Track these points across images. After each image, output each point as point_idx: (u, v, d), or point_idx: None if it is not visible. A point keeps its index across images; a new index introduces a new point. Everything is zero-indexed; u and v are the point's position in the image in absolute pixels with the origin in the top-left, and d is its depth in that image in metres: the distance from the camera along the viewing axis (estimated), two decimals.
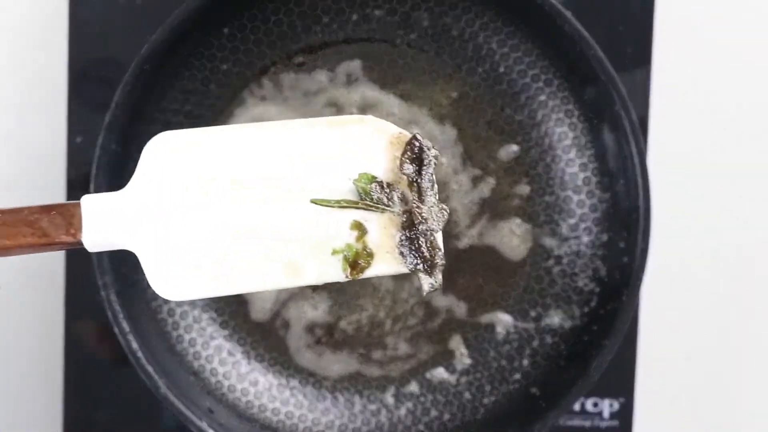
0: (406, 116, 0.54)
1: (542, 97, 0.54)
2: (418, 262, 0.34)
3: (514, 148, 0.55)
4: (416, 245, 0.34)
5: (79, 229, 0.34)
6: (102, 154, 0.49)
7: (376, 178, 0.34)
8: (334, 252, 0.34)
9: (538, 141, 0.55)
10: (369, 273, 0.34)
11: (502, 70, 0.55)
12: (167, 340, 0.54)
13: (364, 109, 0.54)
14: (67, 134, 0.56)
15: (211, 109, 0.54)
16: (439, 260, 0.35)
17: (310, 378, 0.56)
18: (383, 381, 0.56)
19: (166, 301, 0.54)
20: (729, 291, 0.60)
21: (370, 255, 0.34)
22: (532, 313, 0.55)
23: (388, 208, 0.34)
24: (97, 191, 0.49)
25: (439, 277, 0.35)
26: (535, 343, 0.55)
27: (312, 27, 0.54)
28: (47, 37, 0.57)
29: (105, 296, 0.50)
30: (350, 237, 0.34)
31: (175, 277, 0.34)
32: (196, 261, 0.34)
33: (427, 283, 0.35)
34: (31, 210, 0.34)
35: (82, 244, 0.34)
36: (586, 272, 0.54)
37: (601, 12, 0.57)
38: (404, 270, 0.35)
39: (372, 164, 0.35)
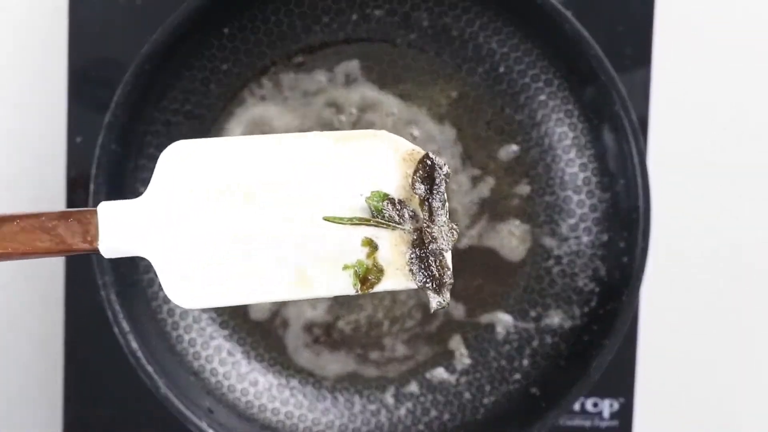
0: (406, 116, 0.54)
1: (542, 97, 0.54)
2: (427, 280, 0.35)
3: (514, 148, 0.55)
4: (426, 264, 0.35)
5: (95, 236, 0.35)
6: (102, 154, 0.50)
7: (388, 195, 0.35)
8: (345, 267, 0.35)
9: (538, 141, 0.55)
10: (378, 288, 0.35)
11: (502, 70, 0.55)
12: (167, 340, 0.54)
13: (364, 109, 0.54)
14: (67, 134, 0.56)
15: (211, 108, 0.54)
16: (448, 279, 0.35)
17: (310, 378, 0.56)
18: (382, 381, 0.56)
19: (166, 301, 0.54)
20: (729, 291, 0.60)
21: (381, 271, 0.35)
22: (532, 313, 0.55)
23: (399, 226, 0.35)
24: (97, 191, 0.49)
25: (447, 295, 0.35)
26: (535, 343, 0.55)
27: (312, 27, 0.54)
28: (47, 37, 0.57)
29: (105, 296, 0.50)
30: (361, 253, 0.35)
31: (190, 286, 0.35)
32: (211, 270, 0.35)
33: (435, 301, 0.35)
34: (48, 216, 0.35)
35: (98, 250, 0.35)
36: (586, 272, 0.54)
37: (601, 12, 0.57)
38: (413, 286, 0.35)
39: (384, 180, 0.35)
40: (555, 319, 0.55)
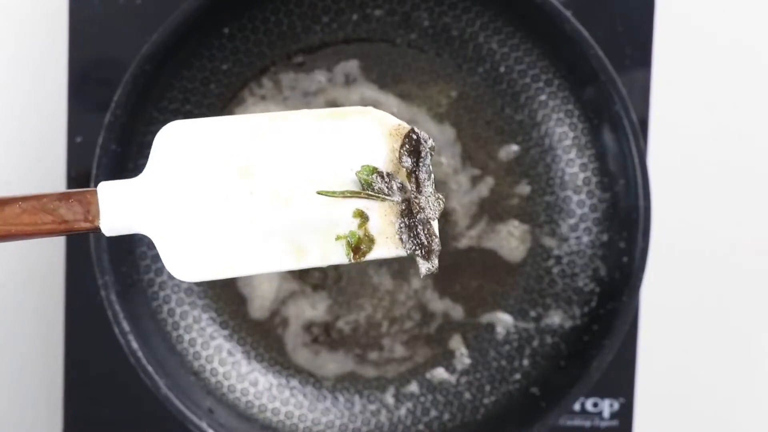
0: (405, 116, 0.54)
1: (542, 97, 0.54)
2: (416, 247, 0.36)
3: (514, 148, 0.55)
4: (415, 232, 0.36)
5: (96, 214, 0.35)
6: (102, 154, 0.50)
7: (377, 169, 0.36)
8: (338, 238, 0.36)
9: (538, 141, 0.55)
10: (370, 257, 0.36)
11: (502, 70, 0.55)
12: (167, 340, 0.54)
13: None
14: (67, 134, 0.56)
15: (211, 108, 0.54)
16: (436, 246, 0.36)
17: (310, 378, 0.56)
18: (382, 381, 0.56)
19: (167, 301, 0.54)
20: (729, 291, 0.60)
21: (372, 240, 0.36)
22: (532, 313, 0.55)
23: (388, 197, 0.36)
24: None
25: (436, 261, 0.37)
26: (535, 343, 0.55)
27: (312, 27, 0.54)
28: (47, 37, 0.57)
29: (105, 296, 0.50)
30: (353, 224, 0.36)
31: (190, 260, 0.36)
32: (210, 244, 0.36)
33: (424, 267, 0.36)
34: (50, 197, 0.35)
35: (99, 229, 0.36)
36: (586, 272, 0.54)
37: (600, 12, 0.57)
38: (403, 254, 0.37)
39: (372, 154, 0.36)
40: (555, 319, 0.55)
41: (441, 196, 0.37)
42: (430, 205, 0.36)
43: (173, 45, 0.50)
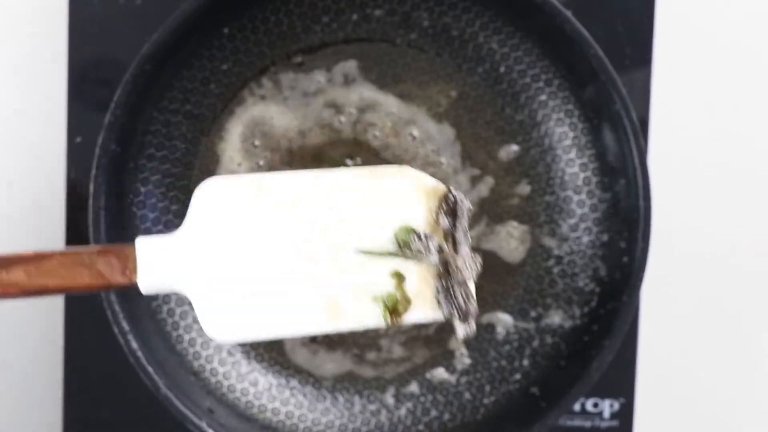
0: (405, 116, 0.54)
1: (542, 97, 0.54)
2: (454, 310, 0.36)
3: (514, 148, 0.55)
4: (452, 295, 0.36)
5: (133, 270, 0.36)
6: (102, 154, 0.50)
7: (414, 230, 0.36)
8: (374, 299, 0.36)
9: (538, 141, 0.55)
10: (407, 320, 0.36)
11: (502, 70, 0.55)
12: (167, 340, 0.54)
13: (363, 109, 0.54)
14: (67, 134, 0.56)
15: (211, 108, 0.54)
16: (473, 308, 0.37)
17: (310, 378, 0.56)
18: (381, 381, 0.56)
19: (166, 301, 0.54)
20: (729, 291, 0.60)
21: (408, 302, 0.36)
22: (533, 313, 0.55)
23: (426, 258, 0.36)
24: (97, 191, 0.49)
25: (473, 324, 0.37)
26: (535, 343, 0.55)
27: (312, 27, 0.54)
28: (47, 37, 0.57)
29: (105, 296, 0.50)
30: (390, 284, 0.36)
31: (227, 321, 0.36)
32: (247, 304, 0.36)
33: (462, 330, 0.37)
34: (88, 252, 0.36)
35: (136, 285, 0.36)
36: (587, 272, 0.54)
37: (600, 12, 0.57)
38: (440, 318, 0.36)
39: (409, 213, 0.37)
40: (555, 319, 0.55)
41: (478, 257, 0.37)
42: (467, 266, 0.36)
43: (173, 45, 0.50)
